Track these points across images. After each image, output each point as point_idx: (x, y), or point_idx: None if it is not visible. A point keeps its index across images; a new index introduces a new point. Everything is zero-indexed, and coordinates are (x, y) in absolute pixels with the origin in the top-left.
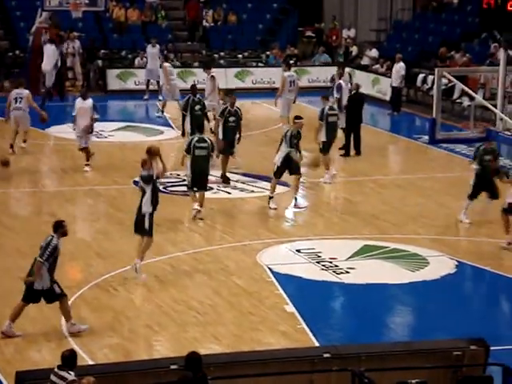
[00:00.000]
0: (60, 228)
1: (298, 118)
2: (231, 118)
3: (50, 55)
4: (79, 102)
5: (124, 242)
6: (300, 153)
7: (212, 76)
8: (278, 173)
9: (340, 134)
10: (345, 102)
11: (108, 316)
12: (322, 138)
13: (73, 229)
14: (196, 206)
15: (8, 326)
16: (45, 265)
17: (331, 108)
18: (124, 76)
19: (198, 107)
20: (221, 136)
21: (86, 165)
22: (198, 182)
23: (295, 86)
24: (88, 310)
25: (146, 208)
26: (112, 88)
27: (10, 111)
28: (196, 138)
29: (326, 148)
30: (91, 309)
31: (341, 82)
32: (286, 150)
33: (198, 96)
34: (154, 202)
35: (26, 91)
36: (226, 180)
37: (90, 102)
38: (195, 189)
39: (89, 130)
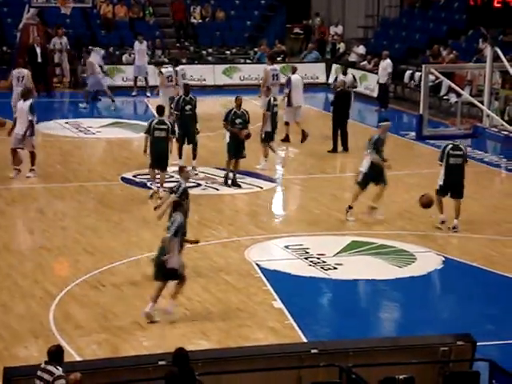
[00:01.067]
0: (179, 206)
1: (384, 120)
2: (237, 120)
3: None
4: (20, 102)
5: (112, 239)
6: (384, 159)
7: (160, 72)
8: (364, 181)
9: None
10: (294, 97)
11: (96, 312)
12: (268, 128)
13: (61, 225)
14: (155, 186)
15: (151, 308)
16: (173, 241)
17: (275, 99)
18: (112, 72)
19: (188, 107)
20: (228, 139)
21: (31, 170)
22: (158, 162)
23: (278, 80)
24: (76, 306)
25: None
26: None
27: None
28: (156, 120)
29: (268, 138)
30: (79, 305)
31: (291, 76)
32: (371, 157)
33: (190, 95)
34: None
35: (26, 70)
36: (235, 184)
37: (28, 103)
38: (157, 171)
39: (27, 132)
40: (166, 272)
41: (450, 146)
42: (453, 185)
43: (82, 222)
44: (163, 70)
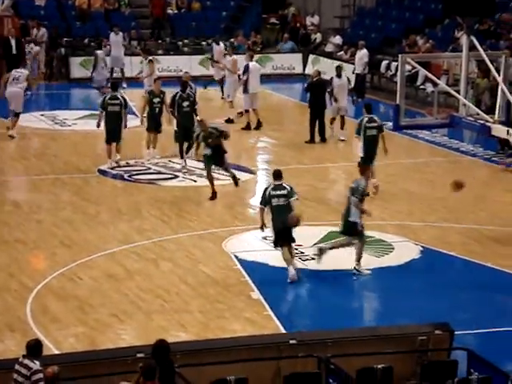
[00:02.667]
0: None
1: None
2: (185, 103)
3: None
4: None
5: (89, 231)
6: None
7: (150, 60)
8: (366, 161)
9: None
10: (251, 83)
11: (73, 305)
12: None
13: (37, 218)
14: (115, 158)
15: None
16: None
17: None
18: (87, 64)
19: (186, 103)
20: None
21: None
22: (112, 136)
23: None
24: (53, 298)
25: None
26: (75, 76)
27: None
28: (109, 95)
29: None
30: (56, 298)
31: (249, 63)
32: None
33: (187, 91)
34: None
35: (26, 72)
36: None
37: None
38: (113, 143)
39: None
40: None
41: (366, 118)
42: (372, 154)
43: (59, 214)
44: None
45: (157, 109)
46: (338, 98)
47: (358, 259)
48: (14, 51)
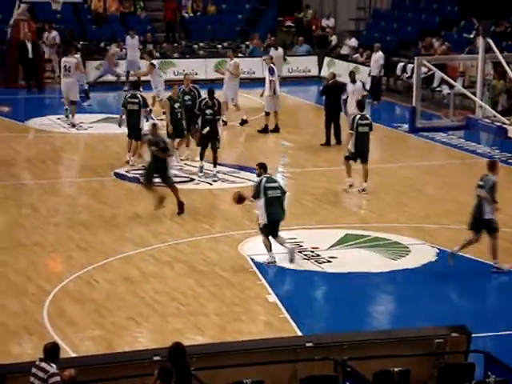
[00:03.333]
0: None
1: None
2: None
3: None
4: None
5: (105, 234)
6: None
7: (151, 63)
8: (352, 156)
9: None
10: (277, 86)
11: (90, 308)
12: None
13: (54, 221)
14: (130, 157)
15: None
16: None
17: None
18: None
19: (187, 97)
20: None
21: None
22: (131, 132)
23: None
24: (70, 302)
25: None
26: (91, 79)
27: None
28: (129, 94)
29: None
30: (73, 301)
31: (273, 66)
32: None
33: (190, 86)
34: None
35: (75, 60)
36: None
37: None
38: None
39: None
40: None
41: (358, 116)
42: (362, 151)
43: (75, 218)
44: (154, 61)
45: (178, 114)
46: (347, 111)
47: (495, 256)
48: (31, 55)
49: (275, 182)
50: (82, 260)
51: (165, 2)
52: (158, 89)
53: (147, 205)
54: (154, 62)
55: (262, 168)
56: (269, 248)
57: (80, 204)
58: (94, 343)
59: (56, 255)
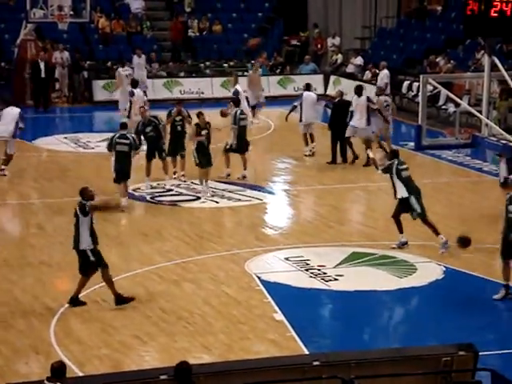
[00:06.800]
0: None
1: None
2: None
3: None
4: None
5: (111, 253)
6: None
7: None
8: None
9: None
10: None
11: (97, 327)
12: (233, 140)
13: (60, 240)
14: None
15: None
16: None
17: (242, 112)
18: (110, 87)
19: (149, 128)
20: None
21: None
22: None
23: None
24: (77, 321)
25: None
26: (98, 99)
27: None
28: (118, 135)
29: (231, 149)
30: (80, 320)
31: (237, 87)
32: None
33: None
34: None
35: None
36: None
37: None
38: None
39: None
40: None
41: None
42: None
43: None
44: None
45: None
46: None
47: None
48: (43, 75)
49: (126, 138)
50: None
51: (171, 22)
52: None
53: (153, 223)
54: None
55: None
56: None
57: None
58: (101, 362)
59: (62, 274)
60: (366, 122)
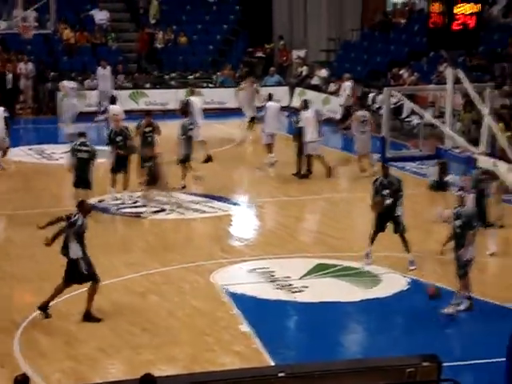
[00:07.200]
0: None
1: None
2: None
3: None
4: None
5: None
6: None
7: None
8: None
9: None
10: (197, 117)
11: (61, 339)
12: (184, 151)
13: (28, 253)
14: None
15: None
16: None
17: (191, 123)
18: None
19: (119, 138)
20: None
21: None
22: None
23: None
24: (41, 333)
25: None
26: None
27: None
28: (78, 142)
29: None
30: (44, 332)
31: (190, 98)
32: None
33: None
34: None
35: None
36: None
37: None
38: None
39: None
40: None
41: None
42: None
43: (47, 248)
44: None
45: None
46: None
47: None
48: (11, 86)
49: (86, 145)
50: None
51: (136, 33)
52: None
53: (118, 235)
54: None
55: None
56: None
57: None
58: (65, 375)
59: (27, 286)
60: (317, 134)
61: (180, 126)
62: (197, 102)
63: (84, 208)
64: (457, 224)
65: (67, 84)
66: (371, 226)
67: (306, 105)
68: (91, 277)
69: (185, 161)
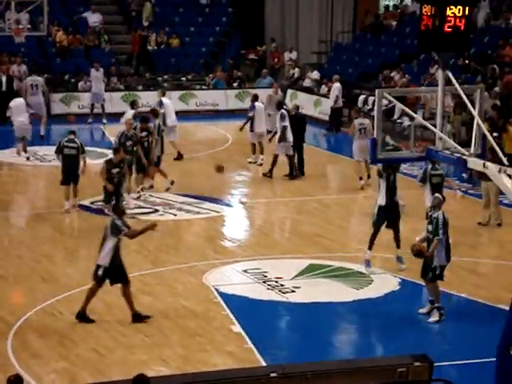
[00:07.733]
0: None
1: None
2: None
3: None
4: None
5: (69, 266)
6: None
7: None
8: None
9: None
10: (169, 117)
11: (54, 340)
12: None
13: (17, 253)
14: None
15: None
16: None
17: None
18: (68, 100)
19: (144, 134)
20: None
21: None
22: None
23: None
24: (34, 334)
25: None
26: (55, 112)
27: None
28: (66, 139)
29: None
30: (37, 333)
31: (162, 99)
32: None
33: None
34: None
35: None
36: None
37: None
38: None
39: None
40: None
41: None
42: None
43: (39, 249)
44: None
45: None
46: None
47: None
48: (4, 88)
49: (74, 141)
50: (46, 292)
51: (129, 35)
52: None
53: None
54: None
55: None
56: None
57: (44, 236)
58: (58, 376)
59: (19, 287)
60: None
61: (155, 127)
62: (169, 103)
63: (118, 211)
64: (429, 229)
65: (30, 82)
66: (372, 228)
67: (279, 107)
68: (103, 279)
69: (158, 163)
